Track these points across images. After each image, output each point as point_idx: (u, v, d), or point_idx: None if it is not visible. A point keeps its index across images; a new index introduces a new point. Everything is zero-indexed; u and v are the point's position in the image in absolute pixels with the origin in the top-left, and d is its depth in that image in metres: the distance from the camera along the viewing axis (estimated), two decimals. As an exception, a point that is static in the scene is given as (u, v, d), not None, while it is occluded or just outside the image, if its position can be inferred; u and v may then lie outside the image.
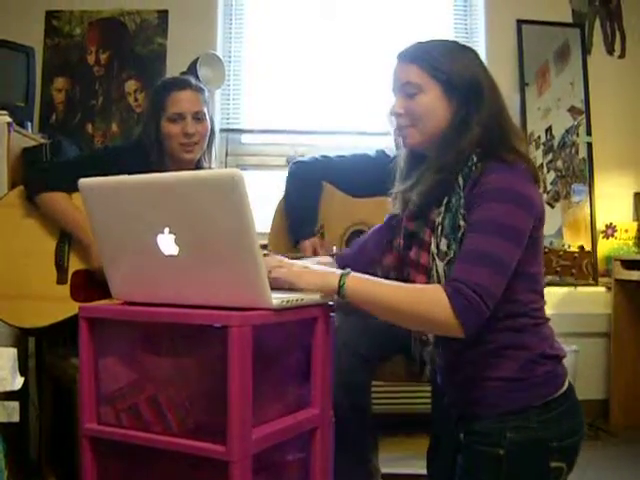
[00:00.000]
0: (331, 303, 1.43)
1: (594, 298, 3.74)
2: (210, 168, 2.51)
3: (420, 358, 1.90)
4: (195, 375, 1.30)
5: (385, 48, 3.75)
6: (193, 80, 2.47)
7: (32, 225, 2.36)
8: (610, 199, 3.88)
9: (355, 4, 3.96)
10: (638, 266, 3.45)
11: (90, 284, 2.30)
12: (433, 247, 1.50)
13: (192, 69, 3.28)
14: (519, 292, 1.49)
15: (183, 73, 3.20)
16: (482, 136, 1.49)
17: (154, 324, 1.34)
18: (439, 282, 1.47)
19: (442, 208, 1.50)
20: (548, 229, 3.66)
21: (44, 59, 3.70)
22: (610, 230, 3.84)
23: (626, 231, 3.85)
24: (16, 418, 1.72)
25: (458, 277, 1.38)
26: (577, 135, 3.88)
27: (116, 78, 3.74)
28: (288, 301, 1.31)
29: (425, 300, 1.38)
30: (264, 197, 2.76)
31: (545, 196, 3.75)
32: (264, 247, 2.37)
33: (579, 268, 2.14)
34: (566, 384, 1.53)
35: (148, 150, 2.36)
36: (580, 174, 3.87)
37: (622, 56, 3.97)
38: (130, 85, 3.73)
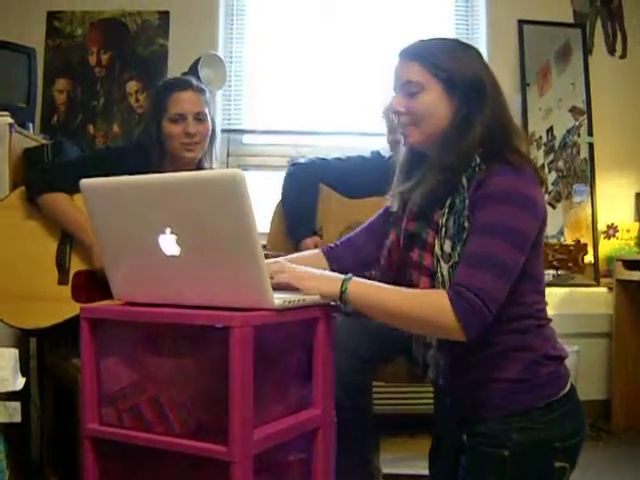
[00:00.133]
0: (332, 303, 1.43)
1: (595, 298, 3.74)
2: (211, 169, 2.51)
3: (423, 361, 1.90)
4: (197, 375, 1.30)
5: (386, 49, 3.75)
6: (195, 81, 2.47)
7: (33, 226, 2.36)
8: (611, 199, 3.88)
9: (356, 5, 3.96)
10: (639, 266, 3.44)
11: (91, 285, 2.30)
12: (437, 249, 1.50)
13: (193, 70, 3.28)
14: (525, 294, 1.49)
15: (184, 74, 3.20)
16: (485, 136, 1.48)
17: (156, 325, 1.33)
18: (443, 284, 1.46)
19: (445, 209, 1.49)
20: (550, 229, 3.67)
21: (45, 60, 3.70)
22: (611, 230, 3.84)
23: (628, 231, 3.85)
24: (18, 419, 1.72)
25: (461, 281, 1.38)
26: (578, 135, 3.88)
27: (117, 79, 3.74)
28: (290, 301, 1.31)
29: (427, 305, 1.38)
30: (266, 198, 2.76)
31: (547, 196, 3.75)
32: (263, 247, 2.38)
33: (575, 261, 2.15)
34: (569, 385, 1.53)
35: (149, 150, 2.36)
36: (581, 174, 3.87)
37: (623, 56, 3.97)
38: (131, 86, 3.73)
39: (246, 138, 3.94)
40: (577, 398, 1.55)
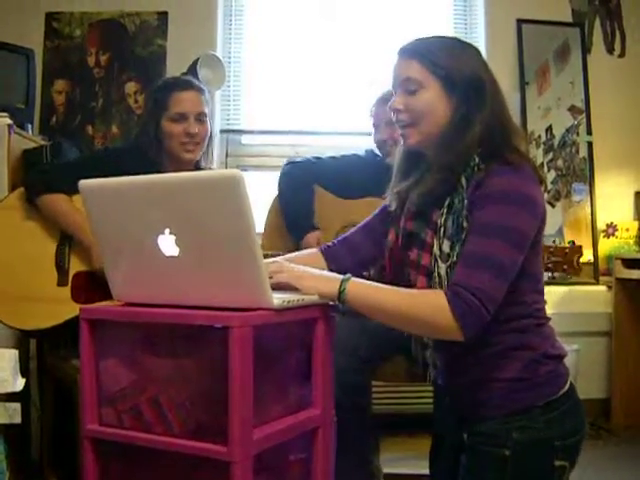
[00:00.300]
0: (331, 303, 1.43)
1: (595, 297, 3.74)
2: (209, 169, 2.51)
3: (423, 360, 1.90)
4: (196, 376, 1.30)
5: (385, 49, 3.75)
6: (196, 81, 2.48)
7: (32, 227, 2.36)
8: (611, 198, 3.88)
9: (355, 5, 3.96)
10: (639, 265, 3.45)
11: (91, 286, 2.30)
12: (435, 249, 1.49)
13: (192, 70, 3.28)
14: (525, 294, 1.49)
15: (183, 74, 3.20)
16: (484, 135, 1.48)
17: (155, 325, 1.34)
18: (441, 284, 1.46)
19: (444, 209, 1.49)
20: (549, 228, 3.66)
21: (44, 61, 3.70)
22: (611, 229, 3.84)
23: (627, 230, 3.85)
24: (18, 419, 1.73)
25: (458, 281, 1.38)
26: (577, 134, 3.89)
27: (116, 80, 3.74)
28: (289, 301, 1.31)
29: (425, 305, 1.38)
30: (264, 198, 2.76)
31: (546, 195, 3.75)
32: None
33: (570, 264, 2.14)
34: (568, 383, 1.53)
35: (146, 149, 2.36)
36: (581, 173, 3.87)
37: (622, 55, 3.97)
38: (130, 87, 3.73)
39: (245, 138, 3.94)
40: (577, 397, 1.55)
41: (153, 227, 1.31)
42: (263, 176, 3.72)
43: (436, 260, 1.49)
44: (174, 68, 3.57)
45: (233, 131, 3.90)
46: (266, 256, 1.35)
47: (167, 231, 1.29)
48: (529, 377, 1.49)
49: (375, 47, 3.88)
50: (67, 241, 2.35)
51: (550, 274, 2.15)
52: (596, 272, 3.78)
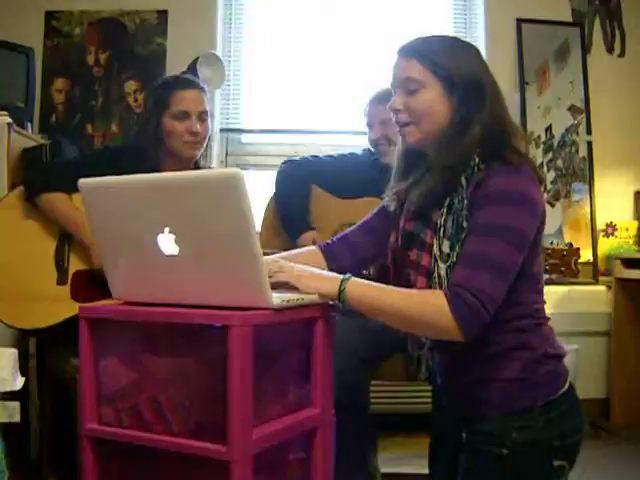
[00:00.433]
0: (331, 302, 1.43)
1: (594, 297, 3.74)
2: (209, 168, 2.52)
3: (418, 359, 1.90)
4: (195, 375, 1.30)
5: (385, 48, 3.74)
6: (198, 80, 2.48)
7: (32, 226, 2.36)
8: (610, 198, 3.88)
9: (354, 4, 3.96)
10: (638, 264, 3.45)
11: (90, 284, 2.30)
12: (435, 249, 1.49)
13: (192, 69, 3.28)
14: (524, 294, 1.49)
15: (183, 73, 3.19)
16: (483, 135, 1.48)
17: (154, 324, 1.33)
18: (440, 284, 1.46)
19: (444, 209, 1.49)
20: (548, 228, 3.64)
21: (44, 60, 3.70)
22: (610, 229, 3.84)
23: (626, 230, 3.85)
24: (17, 418, 1.72)
25: (459, 282, 1.38)
26: (577, 134, 3.89)
27: (116, 78, 3.74)
28: (288, 301, 1.31)
29: (425, 305, 1.38)
30: (264, 197, 2.76)
31: (545, 195, 3.75)
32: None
33: (568, 266, 2.14)
34: (567, 383, 1.53)
35: (146, 147, 2.36)
36: (580, 173, 3.87)
37: (622, 55, 3.97)
38: (130, 85, 3.73)
39: (245, 137, 3.94)
40: (576, 397, 1.55)
41: (153, 226, 1.30)
42: (263, 175, 3.72)
43: (436, 260, 1.48)
44: (174, 67, 3.57)
45: (233, 130, 3.91)
46: (265, 254, 1.34)
47: (167, 230, 1.29)
48: (528, 377, 1.49)
49: (375, 47, 3.87)
50: (66, 240, 2.35)
51: (547, 276, 2.15)
52: (595, 272, 3.78)
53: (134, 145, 2.45)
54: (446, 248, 1.47)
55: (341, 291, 1.40)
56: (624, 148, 3.91)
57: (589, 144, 3.88)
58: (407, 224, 1.59)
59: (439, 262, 1.47)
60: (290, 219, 2.62)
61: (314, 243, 2.43)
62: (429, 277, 1.50)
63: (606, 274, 3.77)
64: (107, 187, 1.37)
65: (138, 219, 1.33)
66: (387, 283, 1.51)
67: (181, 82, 2.43)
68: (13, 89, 3.20)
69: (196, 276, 1.30)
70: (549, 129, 3.88)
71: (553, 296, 3.50)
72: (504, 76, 3.77)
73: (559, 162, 3.87)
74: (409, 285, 1.53)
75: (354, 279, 1.42)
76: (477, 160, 1.47)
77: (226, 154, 3.88)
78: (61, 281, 2.33)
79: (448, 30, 3.94)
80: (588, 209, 3.84)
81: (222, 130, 3.86)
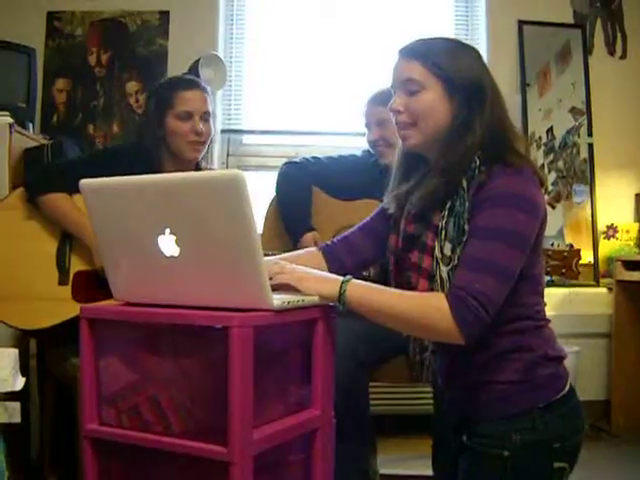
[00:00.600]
0: (332, 304, 1.43)
1: (595, 299, 3.74)
2: (210, 169, 2.52)
3: (420, 362, 1.90)
4: (196, 376, 1.30)
5: (386, 49, 3.75)
6: (201, 81, 2.48)
7: (33, 226, 2.36)
8: (611, 200, 3.88)
9: (356, 5, 3.96)
10: (639, 267, 3.44)
11: (91, 285, 2.30)
12: (437, 251, 1.49)
13: (194, 70, 3.28)
14: (524, 295, 1.49)
15: (184, 74, 3.19)
16: (484, 138, 1.47)
17: (155, 325, 1.33)
18: (442, 287, 1.46)
19: (445, 212, 1.48)
20: (549, 230, 3.65)
21: (45, 60, 3.70)
22: (611, 231, 3.84)
23: (627, 232, 3.85)
24: (17, 419, 1.72)
25: (460, 284, 1.38)
26: (578, 136, 3.89)
27: (117, 79, 3.74)
28: (289, 302, 1.31)
29: (426, 308, 1.38)
30: (266, 198, 2.76)
31: (546, 197, 3.75)
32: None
33: (569, 267, 2.14)
34: (568, 385, 1.53)
35: (148, 147, 2.36)
36: (581, 175, 3.87)
37: (623, 57, 3.97)
38: (131, 86, 3.73)
39: (246, 138, 3.94)
40: (576, 399, 1.55)
41: (154, 227, 1.31)
42: (264, 176, 3.72)
43: (437, 263, 1.48)
44: (175, 68, 3.57)
45: (234, 131, 3.91)
46: (265, 255, 1.34)
47: (167, 231, 1.29)
48: (529, 379, 1.49)
49: (376, 48, 3.87)
50: (68, 240, 2.35)
51: (549, 277, 2.14)
52: (596, 274, 3.78)
53: (135, 145, 2.44)
54: (447, 251, 1.46)
55: (341, 293, 1.39)
56: (625, 150, 3.91)
57: (590, 146, 3.88)
58: (408, 226, 1.59)
59: (441, 265, 1.47)
60: (291, 220, 2.62)
61: (316, 244, 2.43)
62: (431, 279, 1.50)
63: (607, 276, 3.77)
64: (108, 188, 1.37)
65: (139, 220, 1.33)
66: (388, 285, 1.51)
67: (185, 82, 2.44)
68: (15, 89, 3.20)
69: (197, 277, 1.30)
70: (550, 131, 3.88)
71: (554, 298, 3.50)
72: (505, 78, 3.78)
73: (560, 164, 3.87)
74: (410, 287, 1.53)
75: (354, 281, 1.42)
76: (478, 162, 1.46)
77: (227, 155, 3.88)
78: (62, 281, 2.33)
79: (449, 32, 3.94)
80: (589, 211, 3.84)
81: (223, 131, 3.86)
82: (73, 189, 1.94)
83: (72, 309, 2.19)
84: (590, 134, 3.88)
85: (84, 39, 3.75)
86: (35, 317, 2.28)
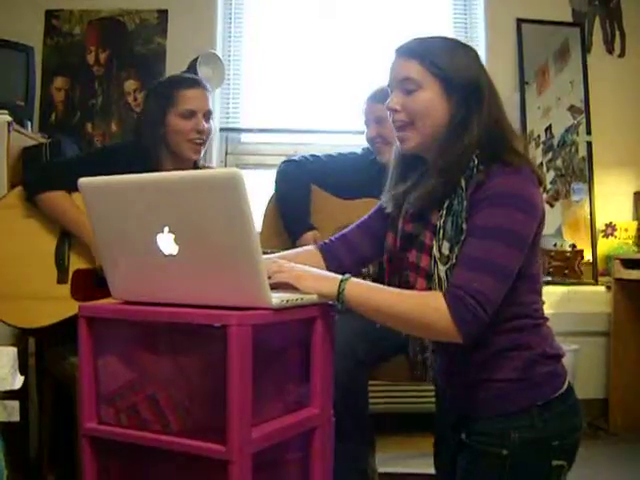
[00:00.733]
0: (330, 302, 1.43)
1: (594, 297, 3.73)
2: (208, 168, 2.52)
3: (421, 361, 1.90)
4: (195, 374, 1.30)
5: (384, 47, 3.74)
6: (202, 79, 2.49)
7: (32, 225, 2.36)
8: (610, 198, 3.89)
9: (354, 4, 3.96)
10: (638, 265, 3.44)
11: (90, 283, 2.30)
12: (435, 251, 1.49)
13: (192, 68, 3.28)
14: (523, 294, 1.49)
15: (183, 72, 3.19)
16: (482, 137, 1.47)
17: (153, 323, 1.33)
18: (440, 286, 1.46)
19: (443, 211, 1.48)
20: (548, 228, 3.64)
21: (44, 58, 3.70)
22: (610, 229, 3.84)
23: (626, 230, 3.85)
24: (16, 417, 1.72)
25: (458, 284, 1.38)
26: (577, 134, 3.89)
27: (115, 77, 3.74)
28: (288, 300, 1.31)
29: (424, 307, 1.38)
30: (264, 196, 2.76)
31: (545, 195, 3.75)
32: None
33: (572, 268, 2.14)
34: (566, 384, 1.53)
35: (148, 146, 2.35)
36: (580, 173, 3.87)
37: (622, 55, 3.97)
38: (129, 85, 3.73)
39: (244, 137, 3.94)
40: (574, 397, 1.55)
41: (152, 225, 1.30)
42: (262, 174, 3.72)
43: (435, 262, 1.48)
44: (173, 66, 3.57)
45: (232, 129, 3.91)
46: (264, 253, 1.34)
47: (166, 230, 1.29)
48: (527, 377, 1.49)
49: (375, 46, 3.87)
50: (67, 239, 2.35)
51: (550, 278, 2.15)
52: (595, 272, 3.78)
53: (134, 144, 2.44)
54: (446, 250, 1.46)
55: (340, 292, 1.39)
56: (624, 148, 3.91)
57: (589, 144, 3.88)
58: (406, 225, 1.59)
59: (439, 264, 1.47)
60: (291, 219, 2.61)
61: (315, 243, 2.43)
62: (429, 279, 1.50)
63: (605, 274, 3.77)
64: (107, 186, 1.37)
65: (138, 218, 1.33)
66: (385, 284, 1.51)
67: (188, 81, 2.44)
68: (13, 88, 3.20)
69: (195, 276, 1.30)
70: (549, 129, 3.88)
71: (552, 296, 3.49)
72: (504, 76, 3.78)
73: (559, 162, 3.87)
74: (408, 286, 1.53)
75: (353, 280, 1.42)
76: (476, 162, 1.46)
77: (226, 153, 3.88)
78: (61, 280, 2.33)
79: (448, 30, 3.94)
80: (588, 209, 3.84)
81: (222, 129, 3.86)
82: (72, 187, 1.94)
83: (71, 308, 2.18)
84: (589, 132, 3.88)
85: (82, 37, 3.75)
86: (34, 316, 2.28)
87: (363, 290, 1.42)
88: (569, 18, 3.95)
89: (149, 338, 1.36)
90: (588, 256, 3.76)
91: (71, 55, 3.74)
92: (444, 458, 1.70)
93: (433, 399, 2.35)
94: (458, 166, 1.47)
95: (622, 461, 3.11)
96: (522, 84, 3.86)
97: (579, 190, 3.86)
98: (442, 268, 1.46)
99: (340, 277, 1.42)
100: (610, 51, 3.97)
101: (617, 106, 3.92)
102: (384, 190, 1.68)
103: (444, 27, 3.95)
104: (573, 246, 2.28)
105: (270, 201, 2.73)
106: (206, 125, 2.38)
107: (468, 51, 1.56)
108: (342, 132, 3.87)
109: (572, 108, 3.90)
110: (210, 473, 1.26)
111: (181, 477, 1.32)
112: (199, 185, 1.25)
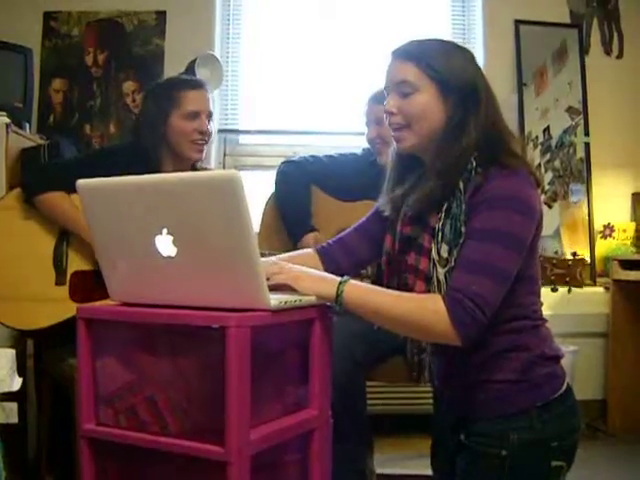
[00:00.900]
0: (328, 304, 1.43)
1: (592, 298, 3.73)
2: (206, 169, 2.52)
3: (418, 363, 1.90)
4: (193, 376, 1.30)
5: (383, 48, 3.74)
6: (204, 81, 2.50)
7: (30, 227, 2.35)
8: (608, 199, 3.89)
9: (352, 5, 3.97)
10: (636, 266, 3.45)
11: (89, 285, 2.30)
12: (434, 253, 1.49)
13: (190, 70, 3.28)
14: (521, 296, 1.49)
15: (181, 74, 3.19)
16: (479, 140, 1.47)
17: (152, 325, 1.34)
18: (439, 288, 1.46)
19: (442, 214, 1.48)
20: (546, 229, 3.66)
21: (42, 60, 3.70)
22: (608, 230, 3.84)
23: (624, 231, 3.85)
24: (14, 419, 1.72)
25: (458, 287, 1.38)
26: (575, 135, 3.89)
27: (114, 79, 3.74)
28: (286, 302, 1.31)
29: (423, 309, 1.38)
30: (262, 197, 2.76)
31: (543, 196, 3.75)
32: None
33: (573, 276, 2.14)
34: (565, 385, 1.53)
35: (147, 146, 2.35)
36: (578, 174, 3.87)
37: (620, 56, 3.98)
38: (128, 86, 3.73)
39: (243, 138, 3.94)
40: (573, 398, 1.55)
41: (150, 227, 1.30)
42: (261, 176, 3.72)
43: (434, 265, 1.48)
44: (172, 68, 3.57)
45: (231, 131, 3.91)
46: (262, 255, 1.34)
47: (164, 231, 1.29)
48: (526, 379, 1.49)
49: (373, 47, 3.87)
50: (65, 240, 2.35)
51: (553, 286, 2.15)
52: (593, 273, 3.78)
53: (132, 145, 2.44)
54: (444, 253, 1.46)
55: (338, 294, 1.39)
56: (622, 149, 3.92)
57: (587, 145, 3.88)
58: (404, 228, 1.58)
59: (437, 266, 1.47)
60: (292, 220, 2.61)
61: (317, 244, 2.43)
62: (428, 281, 1.50)
63: (603, 275, 3.77)
64: (105, 188, 1.37)
65: (136, 220, 1.33)
66: (384, 286, 1.51)
67: (191, 82, 2.45)
68: (11, 89, 3.20)
69: (194, 277, 1.30)
70: (547, 130, 3.88)
71: (551, 298, 3.48)
72: (502, 77, 3.78)
73: (557, 163, 3.87)
74: (407, 288, 1.53)
75: (352, 282, 1.42)
76: (474, 164, 1.46)
77: (224, 155, 3.87)
78: (59, 282, 2.33)
79: (446, 31, 3.94)
80: (586, 210, 3.85)
81: (220, 131, 3.86)
82: (70, 189, 1.94)
83: (69, 309, 2.18)
84: (587, 133, 3.88)
85: (81, 39, 3.75)
86: (32, 317, 2.27)
87: (362, 292, 1.42)
88: (567, 19, 3.96)
89: (147, 340, 1.36)
90: (586, 257, 3.75)
91: (69, 57, 3.74)
92: (442, 459, 1.70)
93: (431, 400, 2.36)
94: (456, 169, 1.47)
95: (621, 462, 3.11)
96: (520, 85, 3.86)
97: (577, 191, 3.86)
98: (441, 271, 1.46)
99: (339, 279, 1.42)
100: (608, 52, 3.98)
101: (615, 107, 3.93)
102: (381, 192, 1.68)
103: (442, 28, 3.95)
104: (574, 254, 2.27)
105: (268, 202, 2.72)
106: (208, 125, 2.39)
107: (464, 53, 1.55)
108: (340, 133, 3.87)
109: (570, 109, 3.90)
110: (209, 475, 1.26)
111: (179, 479, 1.32)
112: (197, 187, 1.25)
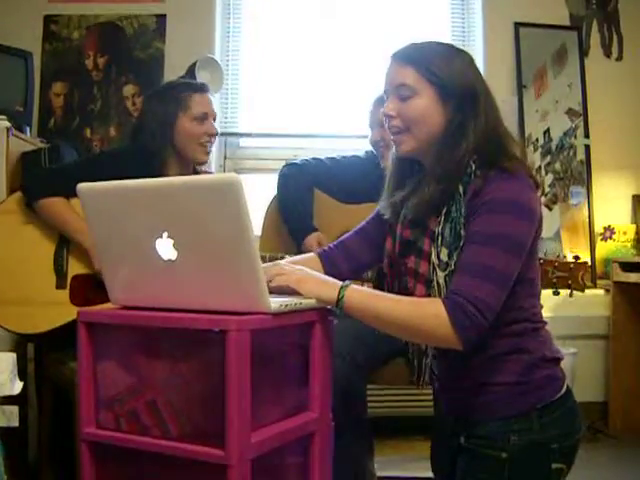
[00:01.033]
0: (329, 307, 1.43)
1: (593, 300, 3.73)
2: (207, 173, 2.53)
3: (419, 366, 1.90)
4: (194, 379, 1.30)
5: (383, 51, 3.74)
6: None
7: (31, 231, 2.36)
8: (608, 201, 3.89)
9: (353, 8, 3.97)
10: (636, 268, 3.45)
11: (89, 288, 2.30)
12: (434, 257, 1.49)
13: (190, 73, 3.28)
14: (521, 299, 1.49)
15: (181, 77, 3.20)
16: (479, 143, 1.48)
17: (152, 328, 1.34)
18: (439, 292, 1.46)
19: (441, 218, 1.49)
20: (546, 232, 3.67)
21: (42, 63, 3.70)
22: (608, 232, 3.85)
23: (624, 233, 3.85)
24: (15, 422, 1.72)
25: (458, 290, 1.38)
26: (575, 137, 3.89)
27: (114, 82, 3.74)
28: (286, 305, 1.31)
29: (424, 313, 1.38)
30: (263, 201, 2.76)
31: (543, 199, 3.75)
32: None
33: (575, 279, 2.14)
34: (565, 387, 1.53)
35: (153, 149, 2.35)
36: (578, 176, 3.87)
37: (619, 59, 3.98)
38: (128, 89, 3.73)
39: (243, 141, 3.94)
40: (573, 400, 1.55)
41: (151, 231, 1.31)
42: (261, 179, 3.72)
43: (434, 268, 1.48)
44: (172, 71, 3.57)
45: (231, 134, 3.91)
46: (264, 258, 1.35)
47: (165, 235, 1.29)
48: (526, 381, 1.49)
49: (374, 50, 3.88)
50: (65, 244, 2.35)
51: (554, 289, 2.14)
52: (594, 275, 3.78)
53: (133, 149, 2.44)
54: (444, 256, 1.46)
55: (340, 298, 1.40)
56: (622, 152, 3.92)
57: (587, 147, 3.88)
58: (404, 232, 1.59)
59: (437, 270, 1.47)
60: (294, 222, 2.61)
61: (320, 244, 2.43)
62: (428, 285, 1.50)
63: (604, 278, 3.77)
64: (106, 192, 1.37)
65: (136, 224, 1.33)
66: (386, 290, 1.51)
67: (199, 86, 2.48)
68: (12, 93, 3.20)
69: (194, 281, 1.30)
70: (547, 132, 3.88)
71: (551, 300, 3.48)
72: (502, 79, 3.78)
73: (557, 165, 3.87)
74: (407, 292, 1.53)
75: (353, 286, 1.42)
76: (474, 167, 1.46)
77: (224, 158, 3.87)
78: (60, 285, 2.33)
79: (446, 34, 3.95)
80: (586, 213, 3.85)
81: (220, 134, 3.84)
82: (71, 193, 1.94)
83: (70, 313, 2.18)
84: (587, 136, 3.88)
85: (81, 43, 3.75)
86: (33, 321, 2.28)
87: (362, 297, 1.42)
88: (567, 22, 3.96)
89: (148, 343, 1.36)
90: (586, 259, 3.75)
91: (70, 60, 3.74)
92: (442, 462, 1.70)
93: (431, 403, 2.36)
94: (456, 172, 1.47)
95: (622, 464, 3.11)
96: (520, 87, 3.86)
97: (577, 193, 3.86)
98: (441, 274, 1.47)
99: (340, 283, 1.42)
100: (608, 55, 3.98)
101: (615, 109, 3.93)
102: (381, 196, 1.68)
103: (442, 30, 3.96)
104: (576, 257, 2.27)
105: (271, 205, 2.72)
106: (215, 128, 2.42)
107: (464, 57, 1.55)
108: (341, 136, 3.87)
109: (570, 111, 3.90)
110: (209, 478, 1.26)
111: (180, 482, 1.32)
112: (198, 190, 1.25)
